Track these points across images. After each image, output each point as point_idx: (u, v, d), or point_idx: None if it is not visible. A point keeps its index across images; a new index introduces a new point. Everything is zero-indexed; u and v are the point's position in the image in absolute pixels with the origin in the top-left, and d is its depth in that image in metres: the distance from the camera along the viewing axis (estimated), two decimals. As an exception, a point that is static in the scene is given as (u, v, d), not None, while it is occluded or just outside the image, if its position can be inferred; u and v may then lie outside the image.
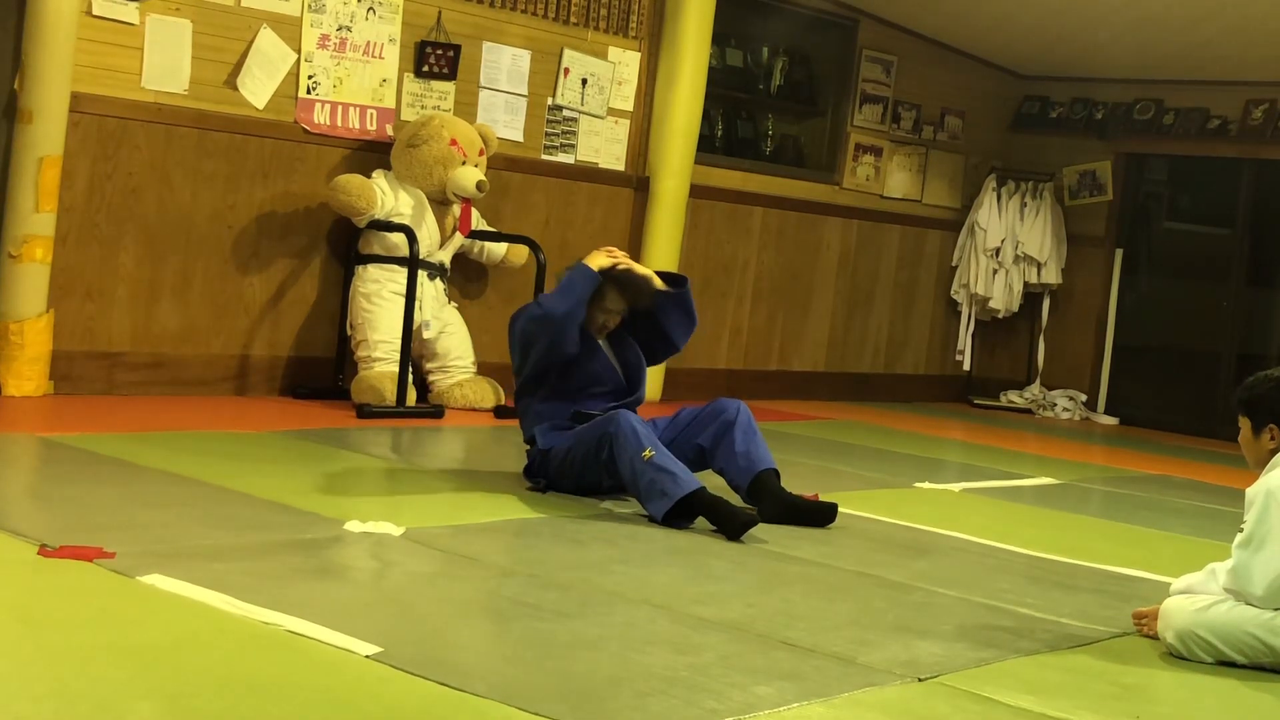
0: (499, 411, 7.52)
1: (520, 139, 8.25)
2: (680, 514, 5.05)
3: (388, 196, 7.34)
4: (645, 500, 5.11)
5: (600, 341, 5.55)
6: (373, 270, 7.36)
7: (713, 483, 5.29)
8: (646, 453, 5.09)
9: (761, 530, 5.11)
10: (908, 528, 5.56)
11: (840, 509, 5.70)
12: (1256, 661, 3.88)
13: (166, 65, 6.89)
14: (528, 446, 5.56)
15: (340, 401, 7.29)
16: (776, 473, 5.43)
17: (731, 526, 4.97)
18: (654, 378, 8.61)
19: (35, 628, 3.27)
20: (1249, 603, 3.88)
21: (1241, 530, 3.93)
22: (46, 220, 6.49)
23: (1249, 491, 3.96)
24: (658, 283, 5.57)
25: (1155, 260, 11.22)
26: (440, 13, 7.81)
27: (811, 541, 5.08)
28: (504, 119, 8.13)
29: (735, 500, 5.30)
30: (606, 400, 5.53)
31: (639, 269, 5.57)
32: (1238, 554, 3.90)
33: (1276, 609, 3.86)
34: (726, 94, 9.54)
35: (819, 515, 5.35)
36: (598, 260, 5.43)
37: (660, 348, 5.77)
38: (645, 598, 4.06)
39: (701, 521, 5.08)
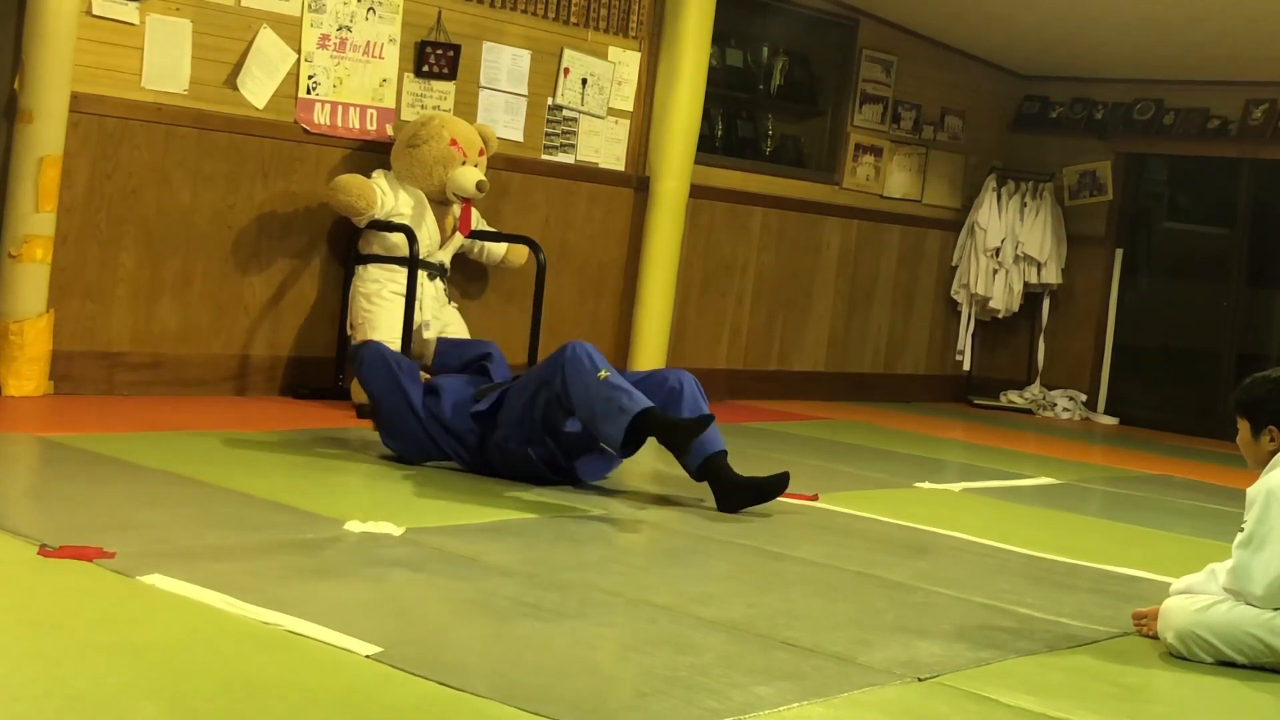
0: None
1: (520, 139, 8.25)
2: (636, 437, 5.04)
3: (388, 196, 7.34)
4: (601, 420, 5.06)
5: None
6: (373, 270, 7.36)
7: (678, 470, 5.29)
8: (601, 373, 5.09)
9: (762, 530, 5.12)
10: (908, 528, 5.56)
11: (840, 509, 5.71)
12: (1256, 661, 3.88)
13: (166, 65, 6.89)
14: (471, 429, 5.56)
15: (340, 401, 7.29)
16: (724, 453, 5.38)
17: (681, 435, 4.98)
18: (654, 378, 8.61)
19: (35, 628, 3.27)
20: (1249, 603, 3.88)
21: (1242, 530, 3.93)
22: (46, 220, 6.49)
23: (1250, 491, 3.96)
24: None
25: (1155, 260, 11.22)
26: (440, 13, 7.81)
27: (811, 541, 5.08)
28: (504, 119, 8.13)
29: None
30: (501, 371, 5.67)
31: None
32: (1238, 554, 3.90)
33: (1276, 609, 3.86)
34: (726, 94, 9.54)
35: (771, 488, 5.34)
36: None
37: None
38: (645, 598, 4.06)
39: (698, 523, 5.08)
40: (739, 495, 5.33)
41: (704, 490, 5.51)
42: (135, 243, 6.90)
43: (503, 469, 5.57)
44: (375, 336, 7.24)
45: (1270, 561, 3.84)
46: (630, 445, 5.13)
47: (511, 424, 5.43)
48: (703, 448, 5.37)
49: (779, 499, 5.63)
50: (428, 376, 5.96)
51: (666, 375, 5.52)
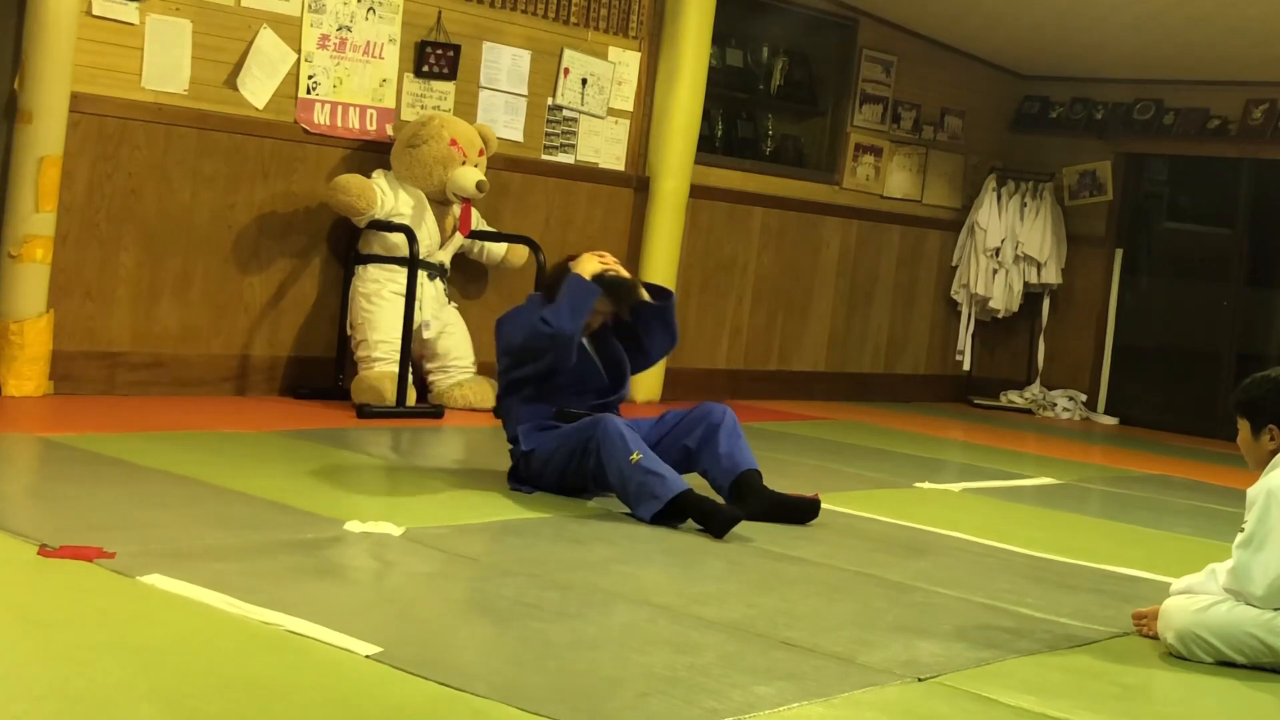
0: (499, 411, 7.52)
1: (520, 139, 8.25)
2: (668, 515, 5.06)
3: (388, 196, 7.35)
4: (634, 503, 5.12)
5: (584, 341, 5.54)
6: (373, 270, 7.36)
7: (697, 484, 5.29)
8: (634, 456, 5.10)
9: (761, 530, 5.12)
10: (908, 528, 5.56)
11: (840, 509, 5.71)
12: (1256, 661, 3.88)
13: (166, 65, 6.89)
14: (510, 447, 5.56)
15: (340, 401, 7.29)
16: (758, 473, 5.42)
17: (717, 524, 4.98)
18: (654, 378, 8.62)
19: (35, 628, 3.27)
20: (1249, 603, 3.88)
21: (1242, 530, 3.93)
22: (46, 220, 6.49)
23: (1250, 491, 3.96)
24: (643, 292, 5.56)
25: (1155, 260, 11.22)
26: (440, 13, 7.81)
27: (811, 541, 5.08)
28: (504, 119, 8.13)
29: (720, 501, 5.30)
30: (590, 398, 5.53)
31: (626, 275, 5.56)
32: (1238, 554, 3.90)
33: (1276, 609, 3.86)
34: (726, 94, 9.54)
35: (801, 511, 5.36)
36: (589, 266, 5.42)
37: (635, 358, 5.72)
38: (645, 598, 4.06)
39: (692, 522, 5.08)
40: (771, 511, 5.32)
41: (709, 491, 5.48)
42: (135, 243, 6.90)
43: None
44: (375, 336, 7.26)
45: (1270, 562, 3.84)
46: (668, 520, 5.13)
47: (547, 473, 5.42)
48: (734, 465, 5.39)
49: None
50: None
51: (712, 409, 5.53)
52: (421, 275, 7.31)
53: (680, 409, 5.62)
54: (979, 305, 10.93)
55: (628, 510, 5.17)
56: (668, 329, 5.68)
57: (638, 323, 5.62)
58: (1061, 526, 6.08)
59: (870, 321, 10.49)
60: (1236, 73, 10.08)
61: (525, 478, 5.48)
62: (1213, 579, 3.98)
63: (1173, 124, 10.63)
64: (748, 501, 5.30)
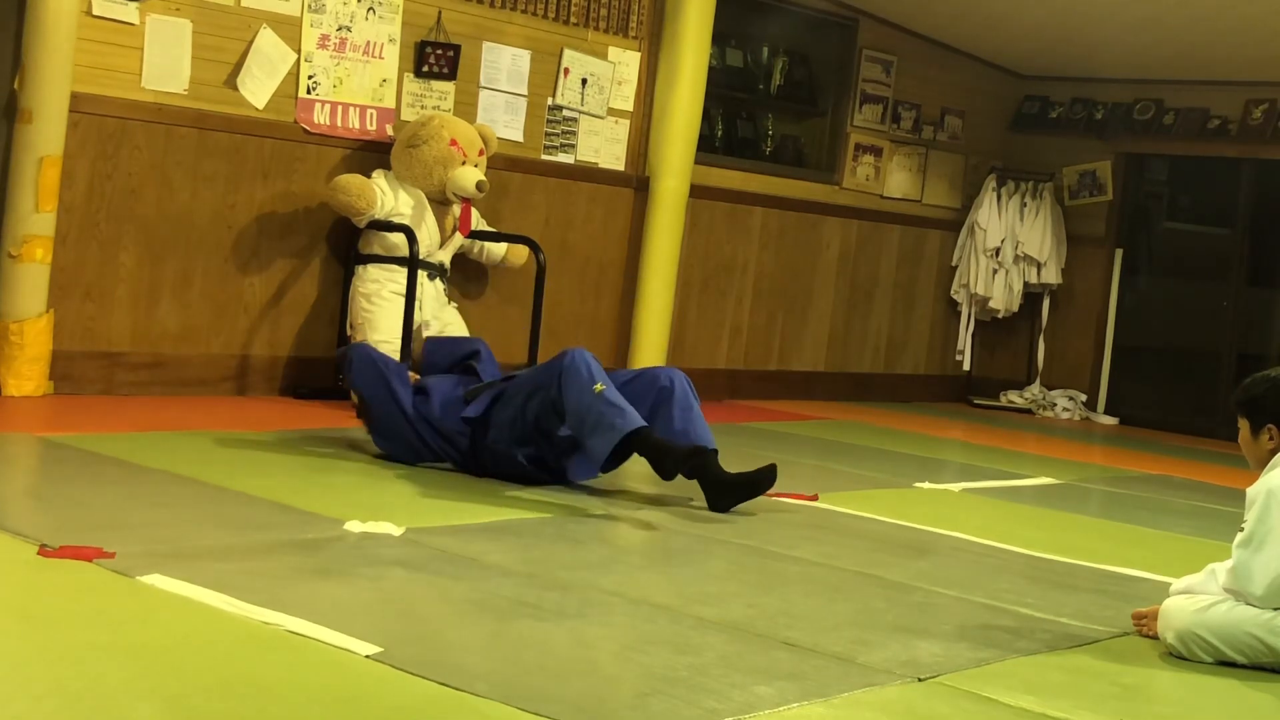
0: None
1: (520, 139, 8.25)
2: (620, 455, 5.03)
3: (388, 196, 7.34)
4: (591, 433, 5.05)
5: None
6: (373, 270, 7.36)
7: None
8: (598, 386, 5.07)
9: (761, 530, 5.11)
10: (908, 528, 5.56)
11: (840, 509, 5.70)
12: (1257, 662, 3.88)
13: (166, 65, 6.89)
14: (461, 432, 5.54)
15: (340, 401, 7.29)
16: (715, 452, 5.33)
17: (668, 465, 4.97)
18: (654, 378, 8.61)
19: (35, 628, 3.27)
20: (1249, 602, 3.88)
21: (1242, 530, 3.93)
22: (46, 220, 6.49)
23: (1250, 491, 3.96)
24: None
25: (1155, 260, 11.22)
26: (440, 13, 7.81)
27: (811, 541, 5.08)
28: (504, 119, 8.13)
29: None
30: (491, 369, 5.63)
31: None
32: (1238, 553, 3.90)
33: (1276, 609, 3.86)
34: (726, 94, 9.54)
35: (760, 481, 5.28)
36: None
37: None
38: (645, 598, 4.06)
39: (698, 523, 5.08)
40: (729, 493, 5.30)
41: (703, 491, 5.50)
42: (135, 243, 6.90)
43: (493, 469, 5.56)
44: (375, 337, 7.25)
45: (1270, 561, 3.84)
46: (613, 461, 5.11)
47: (504, 425, 5.42)
48: (691, 444, 5.35)
49: (780, 499, 5.63)
50: (416, 377, 5.95)
51: (658, 374, 5.49)
52: (421, 275, 7.31)
53: (626, 370, 5.52)
54: (979, 305, 10.93)
55: (580, 450, 5.12)
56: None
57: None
58: (1061, 526, 6.08)
59: (870, 321, 10.49)
60: (1236, 73, 10.08)
61: (482, 450, 5.42)
62: (1212, 579, 3.98)
63: (1173, 124, 10.63)
64: (706, 485, 5.24)
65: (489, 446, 5.50)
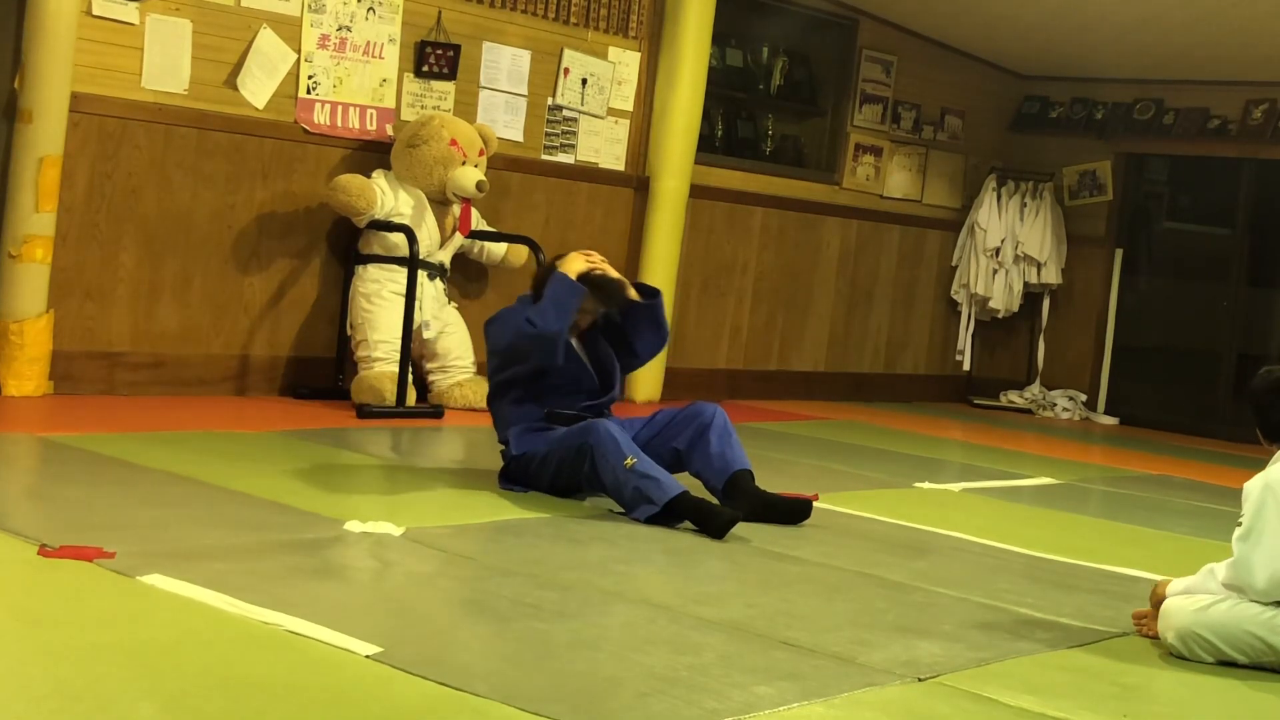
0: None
1: (520, 139, 8.25)
2: (664, 518, 5.06)
3: (388, 196, 7.35)
4: (630, 507, 5.11)
5: (573, 342, 5.53)
6: (373, 270, 7.36)
7: (690, 484, 5.29)
8: (629, 461, 5.10)
9: (761, 530, 5.12)
10: (908, 528, 5.56)
11: (840, 509, 5.71)
12: (1257, 661, 3.88)
13: (166, 65, 6.89)
14: (502, 449, 5.55)
15: (340, 401, 7.29)
16: (750, 473, 5.41)
17: (715, 526, 4.98)
18: (654, 378, 8.62)
19: (35, 628, 3.27)
20: (1251, 598, 3.88)
21: (1240, 524, 3.93)
22: (46, 220, 6.49)
23: (1246, 485, 3.96)
24: (631, 291, 5.55)
25: (1155, 260, 11.22)
26: (440, 13, 7.81)
27: (811, 541, 5.08)
28: (504, 119, 8.13)
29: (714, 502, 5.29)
30: (580, 399, 5.52)
31: (614, 274, 5.56)
32: (1238, 547, 3.90)
33: (1277, 602, 3.86)
34: (726, 94, 9.54)
35: (793, 512, 5.34)
36: (575, 265, 5.41)
37: (625, 359, 5.70)
38: (645, 598, 4.06)
39: (689, 523, 5.08)
40: (767, 512, 5.31)
41: (702, 491, 5.49)
42: (135, 243, 6.90)
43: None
44: (375, 336, 7.26)
45: (1272, 554, 3.83)
46: (664, 522, 5.13)
47: (537, 480, 5.41)
48: (726, 465, 5.38)
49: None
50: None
51: (703, 408, 5.52)
52: (421, 275, 7.31)
53: (672, 409, 5.61)
54: (979, 305, 10.93)
55: (622, 512, 5.17)
56: (657, 328, 5.66)
57: (626, 323, 5.61)
58: (1061, 526, 6.08)
59: (870, 321, 10.49)
60: (1236, 73, 10.08)
61: (517, 479, 5.47)
62: (1211, 578, 3.99)
63: (1173, 124, 10.63)
64: (739, 502, 5.29)
65: (526, 480, 5.49)
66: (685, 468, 5.46)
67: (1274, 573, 3.84)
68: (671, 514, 5.06)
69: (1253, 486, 3.94)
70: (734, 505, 5.24)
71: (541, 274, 5.56)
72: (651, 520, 5.05)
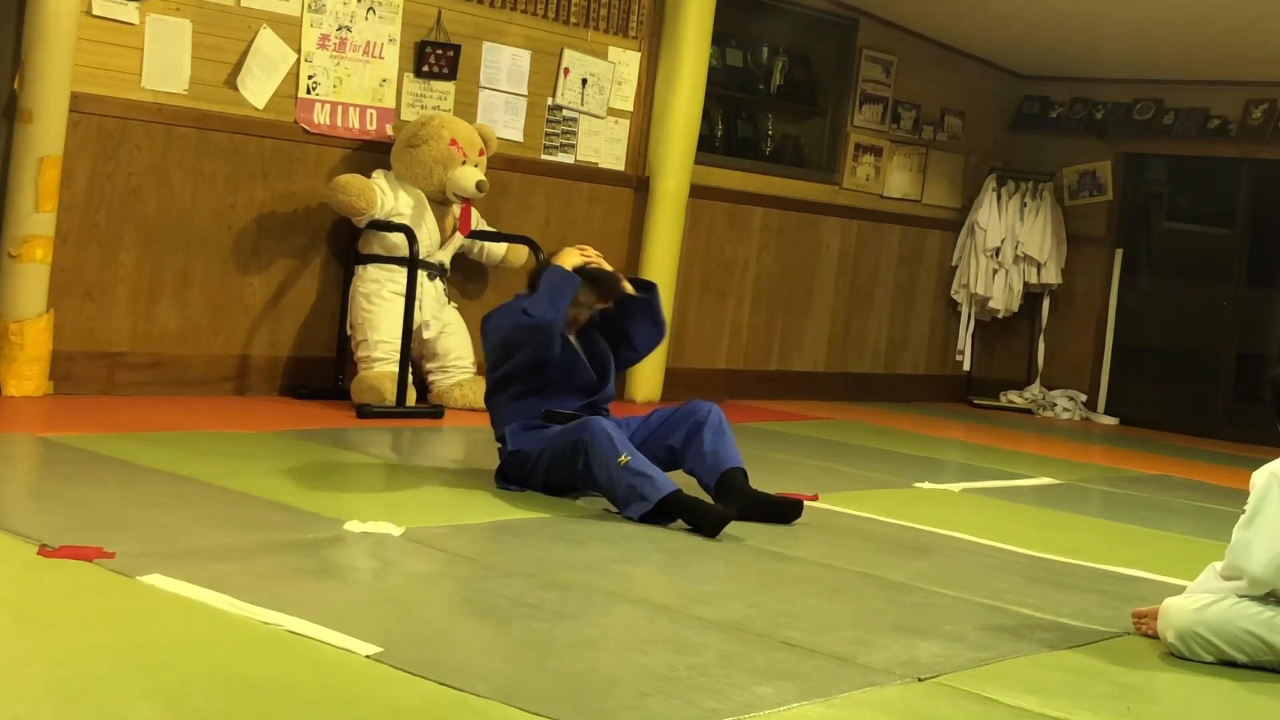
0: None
1: (520, 139, 8.25)
2: (658, 516, 5.06)
3: (388, 196, 7.35)
4: (623, 505, 5.11)
5: (570, 338, 5.54)
6: (373, 270, 7.36)
7: (685, 482, 5.29)
8: (622, 458, 5.10)
9: (761, 530, 5.11)
10: (908, 528, 5.56)
11: (840, 509, 5.70)
12: (1257, 660, 3.88)
13: (166, 65, 6.89)
14: (499, 446, 5.55)
15: (340, 401, 7.29)
16: (743, 471, 5.41)
17: (708, 524, 4.97)
18: (654, 378, 8.62)
19: (35, 628, 3.27)
20: (1247, 587, 3.86)
21: (1244, 513, 3.92)
22: (46, 220, 6.49)
23: (1254, 475, 3.95)
24: (626, 285, 5.56)
25: (1155, 260, 11.22)
26: (440, 13, 7.81)
27: (811, 542, 5.08)
28: (504, 119, 8.13)
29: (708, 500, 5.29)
30: (577, 396, 5.52)
31: (608, 267, 5.57)
32: (1238, 533, 3.89)
33: (1271, 590, 3.85)
34: (726, 94, 9.54)
35: (784, 510, 5.34)
36: (570, 259, 5.42)
37: (624, 354, 5.72)
38: (645, 598, 4.06)
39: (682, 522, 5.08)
40: (759, 511, 5.31)
41: (697, 489, 5.48)
42: (135, 243, 6.90)
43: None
44: (375, 336, 7.26)
45: (1271, 540, 3.82)
46: (657, 519, 5.13)
47: (531, 477, 5.42)
48: (718, 463, 5.39)
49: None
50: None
51: (699, 405, 5.52)
52: (421, 275, 7.31)
53: (668, 407, 5.61)
54: (979, 305, 10.93)
55: (616, 510, 5.17)
56: (654, 321, 5.67)
57: (624, 317, 5.62)
58: (1061, 526, 6.08)
59: (870, 321, 10.49)
60: (1236, 73, 10.08)
61: (513, 477, 5.47)
62: (1212, 575, 3.98)
63: (1173, 124, 10.63)
64: (731, 500, 5.28)
65: (524, 480, 5.49)
66: (679, 465, 5.46)
67: (1272, 558, 3.82)
68: (664, 512, 5.06)
69: (1259, 475, 3.93)
70: (725, 503, 5.23)
71: (537, 270, 5.57)
72: (645, 518, 5.05)
